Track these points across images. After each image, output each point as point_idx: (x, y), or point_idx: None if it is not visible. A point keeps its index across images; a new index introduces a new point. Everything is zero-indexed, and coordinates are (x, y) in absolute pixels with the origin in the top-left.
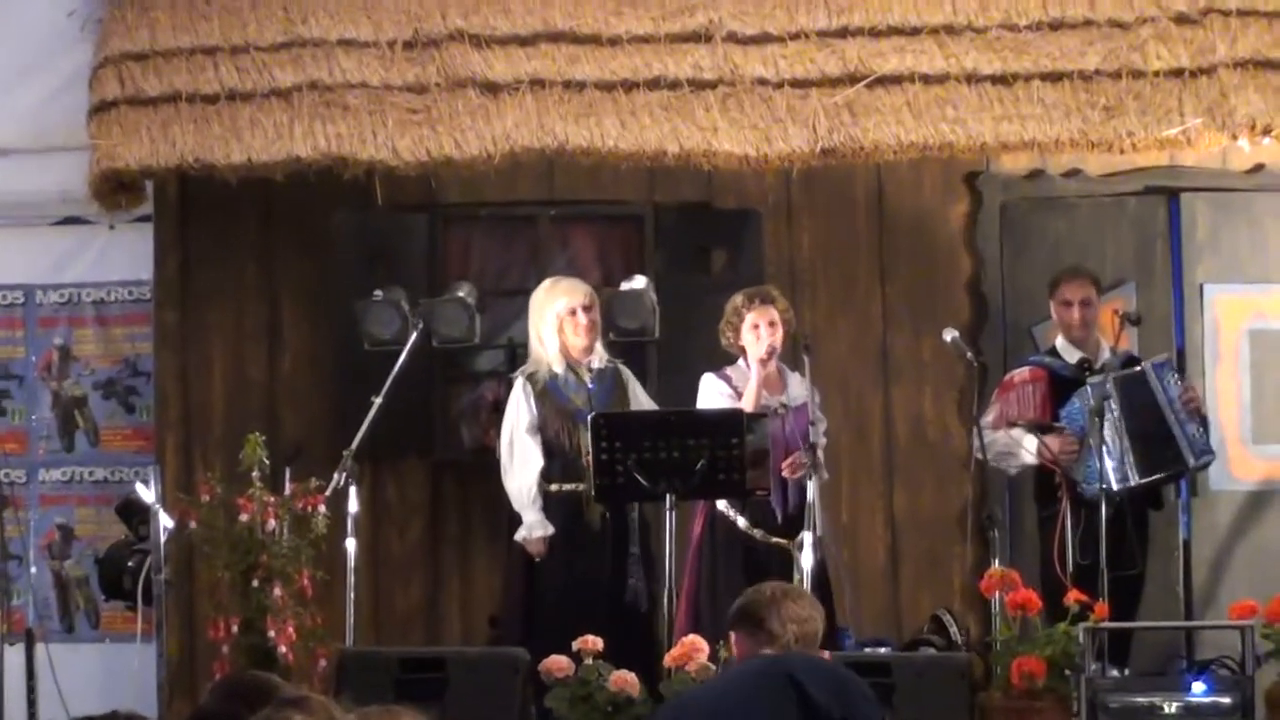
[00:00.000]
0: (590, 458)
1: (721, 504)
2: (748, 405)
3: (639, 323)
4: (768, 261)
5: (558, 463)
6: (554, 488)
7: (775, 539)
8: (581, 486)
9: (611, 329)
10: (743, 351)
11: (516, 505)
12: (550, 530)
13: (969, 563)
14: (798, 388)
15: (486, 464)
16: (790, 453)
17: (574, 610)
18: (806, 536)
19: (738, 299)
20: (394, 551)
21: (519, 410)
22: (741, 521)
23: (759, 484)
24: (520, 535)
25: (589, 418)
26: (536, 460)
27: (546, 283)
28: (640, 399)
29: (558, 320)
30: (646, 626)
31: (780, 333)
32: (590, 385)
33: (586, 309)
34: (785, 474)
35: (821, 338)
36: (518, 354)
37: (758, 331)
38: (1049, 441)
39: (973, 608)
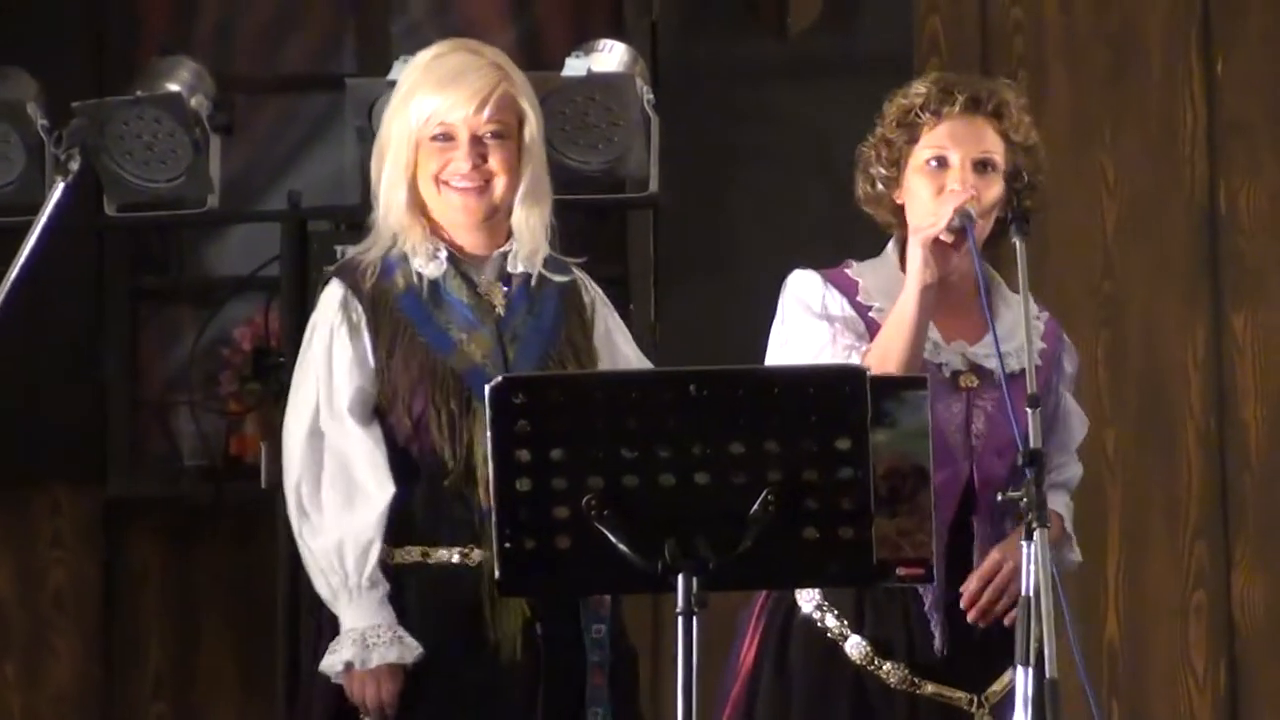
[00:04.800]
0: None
1: (807, 600)
2: (899, 336)
3: (613, 154)
4: (920, 7)
5: (421, 494)
6: (416, 556)
7: (933, 685)
8: (477, 554)
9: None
10: (895, 216)
11: (324, 590)
12: (414, 655)
13: None
14: (1018, 325)
15: (241, 500)
16: (989, 486)
17: None
18: (1019, 679)
19: (920, 83)
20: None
21: (338, 365)
22: (855, 644)
23: (905, 552)
24: (332, 665)
25: (490, 387)
26: (381, 484)
27: (425, 56)
28: (619, 347)
29: (413, 149)
30: None
31: (997, 189)
32: (503, 309)
33: (484, 136)
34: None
35: (1055, 187)
36: (312, 236)
37: (941, 174)
38: None
39: None
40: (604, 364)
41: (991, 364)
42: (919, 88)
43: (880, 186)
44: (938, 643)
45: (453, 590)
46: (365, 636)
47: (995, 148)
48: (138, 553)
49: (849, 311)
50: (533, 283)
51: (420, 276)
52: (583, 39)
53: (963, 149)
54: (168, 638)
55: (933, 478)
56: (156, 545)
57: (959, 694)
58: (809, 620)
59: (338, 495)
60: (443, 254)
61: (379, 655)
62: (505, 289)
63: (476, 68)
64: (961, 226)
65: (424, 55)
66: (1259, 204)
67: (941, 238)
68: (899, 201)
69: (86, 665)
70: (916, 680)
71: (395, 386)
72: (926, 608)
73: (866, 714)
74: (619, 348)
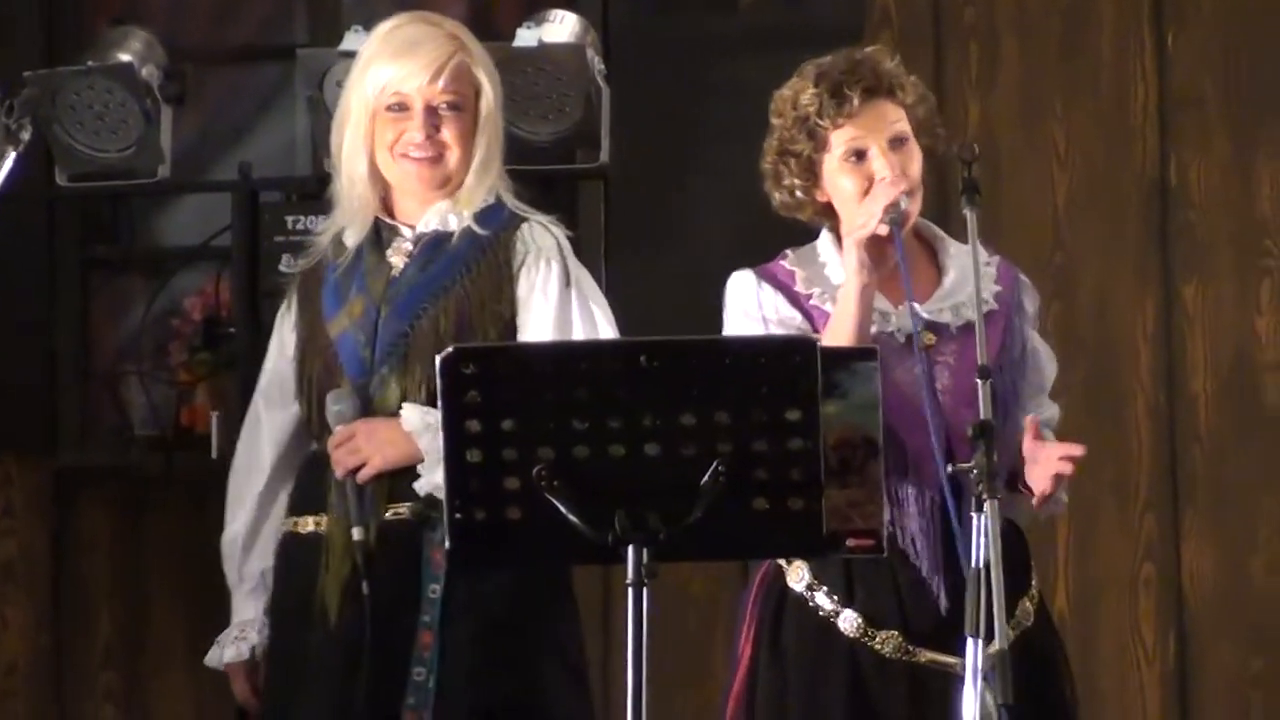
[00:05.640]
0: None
1: (798, 576)
2: (843, 334)
3: (564, 124)
4: None
5: (310, 466)
6: (291, 528)
7: (928, 653)
8: (325, 523)
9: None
10: (823, 213)
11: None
12: (250, 647)
13: None
14: (964, 281)
15: (191, 470)
16: (965, 440)
17: None
18: (969, 650)
19: (804, 89)
20: None
21: (270, 348)
22: (848, 619)
23: (855, 523)
24: (210, 658)
25: (440, 358)
26: (257, 473)
27: (384, 27)
28: (532, 309)
29: (369, 120)
30: None
31: (918, 157)
32: (397, 270)
33: (438, 106)
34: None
35: (1006, 159)
36: (263, 207)
37: (863, 165)
38: None
39: None
40: (519, 323)
41: (945, 319)
42: (808, 96)
43: (800, 195)
44: (943, 604)
45: (302, 559)
46: (225, 637)
47: (900, 118)
48: (88, 523)
49: (785, 310)
50: (454, 240)
51: (343, 249)
52: (534, 10)
53: (876, 137)
54: (118, 608)
55: (909, 444)
56: (107, 515)
57: (953, 660)
58: (800, 600)
59: (231, 490)
60: (369, 222)
61: (217, 658)
62: (413, 245)
63: (432, 38)
64: (890, 227)
65: (383, 26)
66: (1210, 178)
67: (877, 231)
68: (824, 200)
69: (36, 635)
70: (911, 649)
71: (303, 360)
72: (924, 571)
73: (862, 688)
74: (531, 310)
